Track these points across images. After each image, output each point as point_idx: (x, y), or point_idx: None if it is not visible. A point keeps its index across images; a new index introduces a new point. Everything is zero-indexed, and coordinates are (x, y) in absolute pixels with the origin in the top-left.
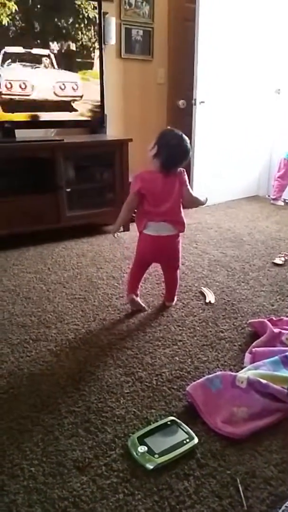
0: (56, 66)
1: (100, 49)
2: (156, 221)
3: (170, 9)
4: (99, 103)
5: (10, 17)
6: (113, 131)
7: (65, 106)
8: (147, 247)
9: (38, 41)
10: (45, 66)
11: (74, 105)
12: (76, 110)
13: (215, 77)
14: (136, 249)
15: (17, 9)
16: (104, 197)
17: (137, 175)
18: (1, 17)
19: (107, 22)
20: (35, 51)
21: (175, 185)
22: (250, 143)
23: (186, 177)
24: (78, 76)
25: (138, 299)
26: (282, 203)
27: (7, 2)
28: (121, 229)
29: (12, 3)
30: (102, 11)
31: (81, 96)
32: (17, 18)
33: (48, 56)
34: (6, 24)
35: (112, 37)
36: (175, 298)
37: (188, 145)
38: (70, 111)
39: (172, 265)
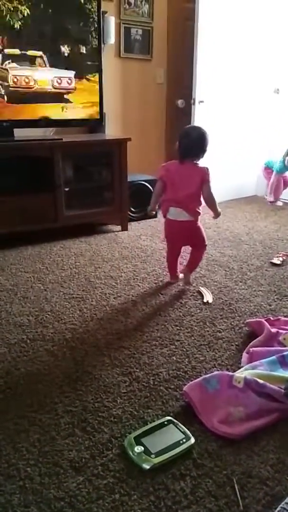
0: (53, 65)
1: (99, 48)
2: (175, 207)
3: (169, 8)
4: (98, 102)
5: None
6: (112, 131)
7: (60, 97)
8: (169, 229)
9: (36, 40)
10: (41, 66)
11: (69, 97)
12: (71, 102)
13: (214, 76)
14: (164, 233)
15: (23, 11)
16: (103, 196)
17: (163, 165)
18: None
19: (106, 21)
20: (32, 52)
21: (194, 178)
22: (248, 143)
23: (209, 175)
24: (73, 72)
25: (180, 276)
26: (281, 203)
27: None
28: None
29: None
30: (101, 10)
31: (75, 88)
32: (19, 19)
33: (41, 57)
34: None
35: (111, 36)
36: (190, 276)
37: (202, 135)
38: (66, 102)
39: (196, 245)
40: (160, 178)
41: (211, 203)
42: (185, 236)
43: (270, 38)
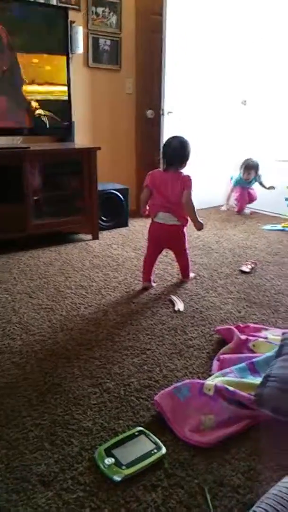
0: (22, 75)
1: (67, 58)
2: (163, 211)
3: (137, 20)
4: (66, 111)
5: None
6: (81, 140)
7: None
8: (155, 232)
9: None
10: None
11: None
12: (37, 109)
13: (183, 88)
14: (147, 235)
15: None
16: (73, 205)
17: (149, 173)
18: None
19: (74, 31)
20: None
21: (178, 185)
22: (217, 153)
23: (190, 182)
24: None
25: (152, 284)
26: (248, 211)
27: None
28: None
29: None
30: (69, 19)
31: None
32: None
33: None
34: None
35: (79, 46)
36: (190, 274)
37: (183, 144)
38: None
39: (178, 250)
40: (146, 185)
41: (189, 210)
42: (169, 240)
43: (238, 50)
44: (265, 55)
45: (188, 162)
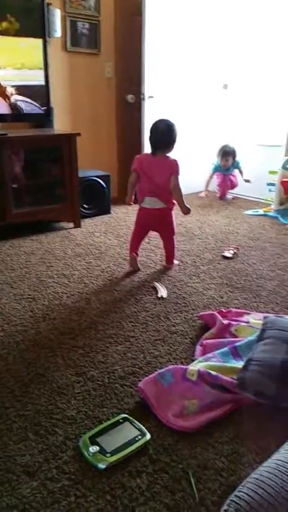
0: None
1: (44, 41)
2: (149, 196)
3: (116, 2)
4: (44, 96)
5: None
6: (61, 126)
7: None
8: (143, 217)
9: None
10: None
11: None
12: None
13: (164, 72)
14: (135, 219)
15: None
16: (53, 193)
17: (136, 157)
18: None
19: (51, 13)
20: None
21: (165, 169)
22: (199, 138)
23: (178, 167)
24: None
25: (137, 258)
26: (230, 197)
27: None
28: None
29: None
30: (45, 1)
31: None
32: None
33: None
34: None
35: (57, 30)
36: (175, 261)
37: (169, 127)
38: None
39: (166, 232)
40: (134, 170)
41: (177, 195)
42: (157, 223)
43: (219, 34)
44: (246, 39)
45: (175, 146)
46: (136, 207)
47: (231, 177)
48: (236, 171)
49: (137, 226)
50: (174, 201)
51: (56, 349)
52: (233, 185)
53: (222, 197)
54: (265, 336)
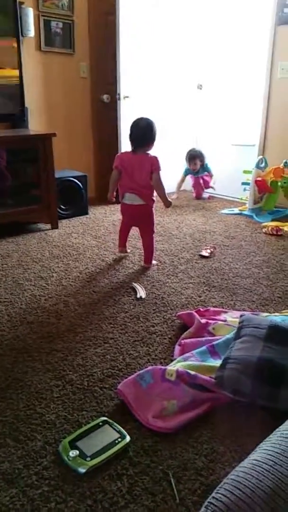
0: None
1: (18, 41)
2: (129, 192)
3: (89, 2)
4: (19, 96)
5: None
6: (36, 126)
7: None
8: (124, 212)
9: None
10: None
11: None
12: None
13: (139, 72)
14: (120, 213)
15: None
16: (29, 194)
17: (117, 155)
18: None
19: (24, 13)
20: None
21: (145, 166)
22: (175, 137)
23: (159, 164)
24: None
25: (126, 249)
26: (206, 196)
27: None
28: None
29: None
30: (17, 0)
31: None
32: None
33: None
34: None
35: (30, 29)
36: (153, 262)
37: (149, 125)
38: None
39: (145, 229)
40: (115, 167)
41: (159, 191)
42: (137, 218)
43: (193, 34)
44: (220, 40)
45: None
46: (113, 207)
47: (205, 177)
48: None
49: (123, 218)
50: (154, 198)
51: (34, 353)
52: (207, 186)
53: (198, 197)
54: (241, 334)
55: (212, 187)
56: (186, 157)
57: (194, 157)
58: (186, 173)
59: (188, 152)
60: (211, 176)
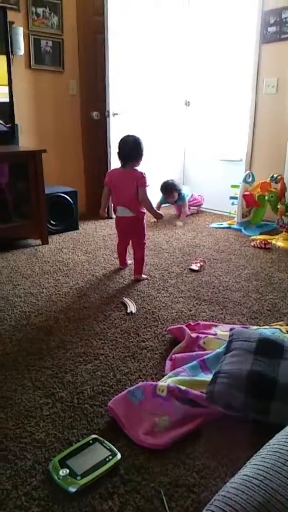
0: None
1: (8, 59)
2: (120, 205)
3: (79, 21)
4: (9, 113)
5: None
6: (26, 143)
7: None
8: (117, 224)
9: None
10: None
11: None
12: None
13: (128, 89)
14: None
15: None
16: (19, 210)
17: (107, 172)
18: None
19: (14, 32)
20: None
21: (133, 181)
22: (163, 153)
23: (144, 180)
24: None
25: (128, 262)
26: (195, 209)
27: None
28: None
29: None
30: (7, 19)
31: None
32: None
33: None
34: None
35: (20, 48)
36: (142, 276)
37: (136, 141)
38: None
39: (137, 242)
40: (106, 184)
41: (145, 205)
42: (128, 230)
43: (181, 52)
44: (207, 57)
45: (142, 159)
46: (103, 222)
47: (193, 200)
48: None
49: (117, 233)
50: (144, 211)
51: (23, 371)
52: (199, 205)
53: (183, 221)
54: (232, 347)
55: (180, 225)
56: (161, 190)
57: (170, 190)
58: (163, 201)
59: (162, 186)
60: (188, 207)
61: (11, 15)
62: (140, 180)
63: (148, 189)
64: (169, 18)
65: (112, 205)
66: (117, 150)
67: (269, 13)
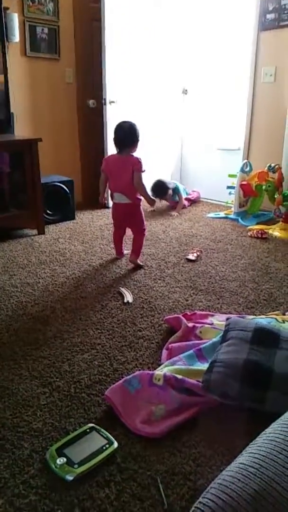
0: None
1: (3, 46)
2: (117, 192)
3: (75, 7)
4: (4, 102)
5: None
6: (22, 131)
7: None
8: (115, 211)
9: None
10: None
11: None
12: None
13: (125, 77)
14: (111, 215)
15: None
16: (15, 199)
17: (104, 158)
18: None
19: (9, 18)
20: None
21: (128, 167)
22: (161, 142)
23: (140, 165)
24: None
25: (125, 252)
26: (187, 202)
27: None
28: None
29: None
30: (2, 5)
31: None
32: None
33: None
34: None
35: (15, 35)
36: (138, 262)
37: (131, 127)
38: None
39: (136, 227)
40: (102, 170)
41: (140, 190)
42: (126, 217)
43: (178, 40)
44: (205, 44)
45: (139, 144)
46: (100, 212)
47: (189, 196)
48: (193, 191)
49: (114, 221)
50: (140, 197)
51: (20, 361)
52: (194, 200)
53: (177, 207)
54: (228, 337)
55: (176, 212)
56: (153, 193)
57: (162, 192)
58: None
59: (154, 189)
60: (180, 198)
61: (5, 1)
62: (136, 165)
63: (143, 175)
64: (167, 6)
65: (109, 191)
66: (112, 136)
67: (268, 0)
